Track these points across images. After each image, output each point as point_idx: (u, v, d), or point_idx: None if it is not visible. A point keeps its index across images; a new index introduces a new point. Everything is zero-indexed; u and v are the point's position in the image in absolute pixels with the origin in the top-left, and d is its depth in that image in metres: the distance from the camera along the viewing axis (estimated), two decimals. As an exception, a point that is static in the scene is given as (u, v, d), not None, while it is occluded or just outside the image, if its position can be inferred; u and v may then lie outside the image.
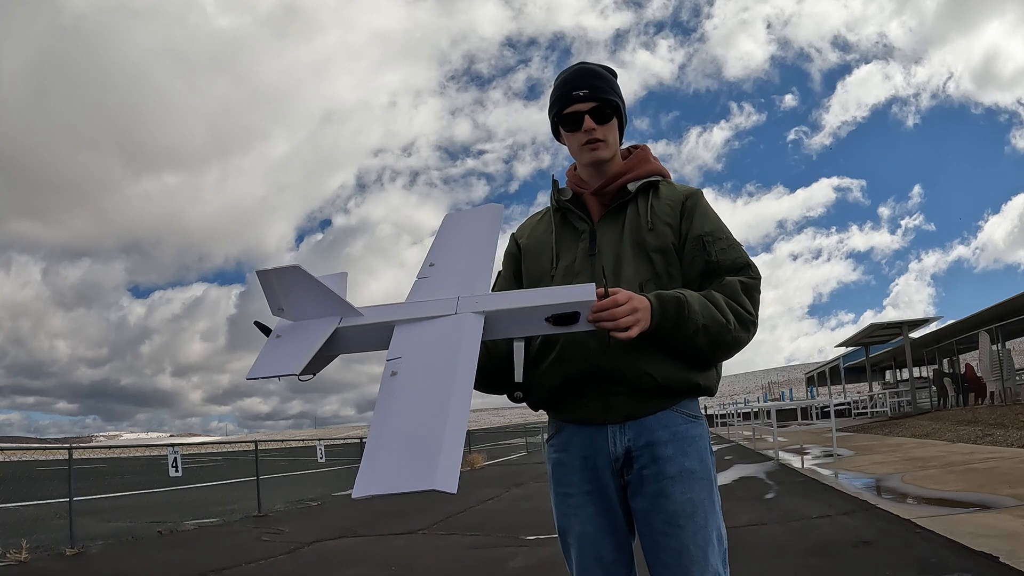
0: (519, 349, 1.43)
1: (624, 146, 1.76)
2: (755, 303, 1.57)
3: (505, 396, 1.70)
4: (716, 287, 1.55)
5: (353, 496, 1.11)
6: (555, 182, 1.76)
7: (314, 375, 1.44)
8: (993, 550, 4.10)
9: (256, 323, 1.49)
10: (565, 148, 1.74)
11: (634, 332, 1.40)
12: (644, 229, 1.61)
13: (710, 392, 1.61)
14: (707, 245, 1.59)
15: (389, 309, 1.47)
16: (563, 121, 1.66)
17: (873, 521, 5.61)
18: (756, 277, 1.59)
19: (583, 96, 1.62)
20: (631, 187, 1.66)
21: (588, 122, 1.62)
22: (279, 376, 1.36)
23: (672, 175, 1.76)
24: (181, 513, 9.23)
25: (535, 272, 1.70)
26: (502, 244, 1.78)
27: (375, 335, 1.44)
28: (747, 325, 1.54)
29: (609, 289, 1.40)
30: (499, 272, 1.82)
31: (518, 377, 1.44)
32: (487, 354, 1.60)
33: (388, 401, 1.25)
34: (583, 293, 1.38)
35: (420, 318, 1.43)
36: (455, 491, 1.06)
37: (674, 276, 1.59)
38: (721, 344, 1.52)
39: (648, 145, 1.79)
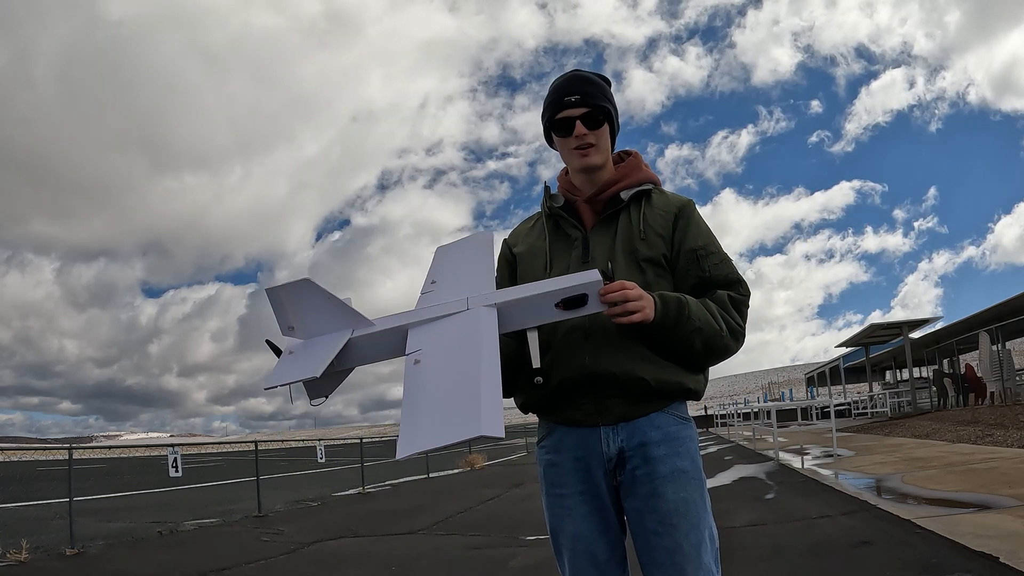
0: (533, 337, 1.47)
1: (615, 151, 1.77)
2: (743, 317, 1.62)
3: (512, 399, 1.72)
4: (708, 298, 1.60)
5: (397, 456, 1.12)
6: (547, 188, 1.78)
7: (326, 397, 1.47)
8: (993, 550, 4.10)
9: (267, 341, 1.51)
10: None
11: (637, 318, 1.45)
12: (636, 239, 1.64)
13: (698, 396, 1.65)
14: (700, 259, 1.63)
15: (400, 316, 1.49)
16: (555, 126, 1.67)
17: (873, 521, 5.62)
18: (745, 294, 1.64)
19: (574, 102, 1.63)
20: (624, 195, 1.68)
21: (579, 127, 1.64)
22: (297, 381, 1.38)
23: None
24: (181, 513, 9.23)
25: (529, 278, 1.71)
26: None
27: (389, 342, 1.46)
28: (736, 336, 1.60)
29: (615, 278, 1.45)
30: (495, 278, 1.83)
31: (536, 363, 1.46)
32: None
33: (416, 379, 1.28)
34: (589, 276, 1.44)
35: (433, 318, 1.46)
36: (503, 435, 1.08)
37: (664, 286, 1.61)
38: (713, 349, 1.57)
39: (638, 151, 1.79)
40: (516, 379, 1.67)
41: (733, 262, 1.67)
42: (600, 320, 1.54)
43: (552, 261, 1.69)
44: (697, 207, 1.72)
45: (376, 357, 1.49)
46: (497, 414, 1.13)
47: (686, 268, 1.63)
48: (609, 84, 1.72)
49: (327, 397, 1.47)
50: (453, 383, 1.23)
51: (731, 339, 1.58)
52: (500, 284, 1.78)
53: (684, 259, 1.63)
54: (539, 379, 1.59)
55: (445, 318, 1.45)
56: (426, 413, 1.18)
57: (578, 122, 1.63)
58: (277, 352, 1.50)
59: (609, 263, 1.59)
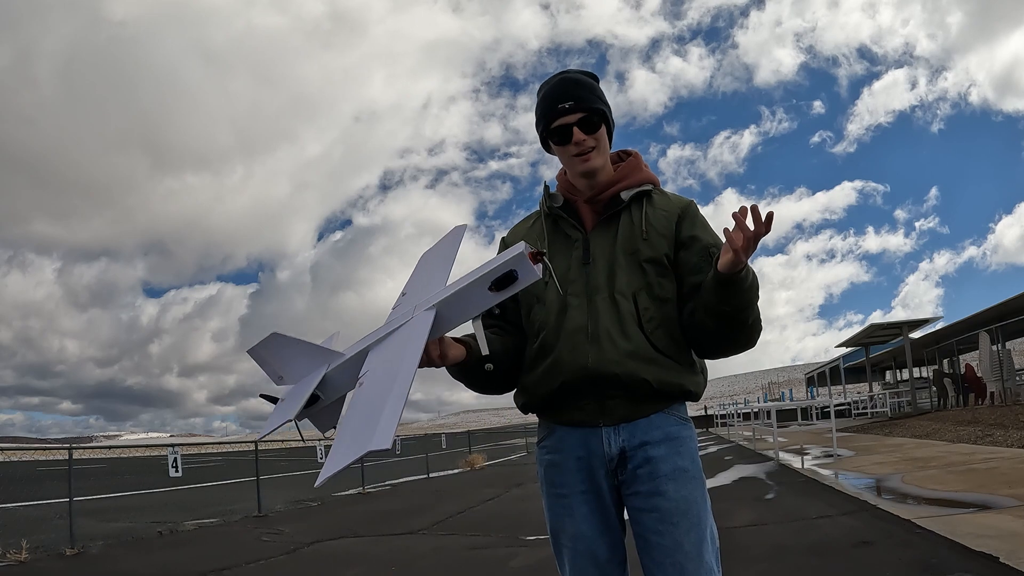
0: (479, 327, 1.48)
1: (614, 150, 1.76)
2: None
3: (506, 396, 1.75)
4: None
5: (315, 485, 1.22)
6: (546, 187, 1.77)
7: (335, 427, 1.52)
8: (993, 550, 4.10)
9: (262, 395, 1.63)
10: None
11: (743, 258, 1.40)
12: (638, 239, 1.63)
13: (697, 397, 1.65)
14: (713, 256, 1.61)
15: (364, 339, 1.57)
16: (552, 135, 1.66)
17: (873, 521, 5.62)
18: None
19: (569, 108, 1.61)
20: (624, 196, 1.67)
21: (577, 134, 1.62)
22: (279, 426, 1.50)
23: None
24: (181, 513, 9.23)
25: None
26: (473, 256, 1.86)
27: (359, 366, 1.51)
28: (757, 328, 1.60)
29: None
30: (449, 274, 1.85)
31: (484, 351, 1.47)
32: (477, 360, 1.61)
33: (351, 401, 1.36)
34: (513, 251, 1.43)
35: (386, 334, 1.52)
36: (389, 446, 1.12)
37: (666, 286, 1.62)
38: (755, 328, 1.57)
39: (639, 151, 1.78)
40: (510, 377, 1.69)
41: None
42: (603, 322, 1.56)
43: (552, 262, 1.68)
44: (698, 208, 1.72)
45: (354, 384, 1.54)
46: (390, 426, 1.15)
47: (699, 265, 1.61)
48: (597, 80, 1.69)
49: (335, 427, 1.52)
50: (370, 402, 1.27)
51: (755, 329, 1.58)
52: None
53: (698, 256, 1.62)
54: (489, 366, 1.60)
55: (394, 332, 1.49)
56: (340, 438, 1.25)
57: (575, 128, 1.62)
58: (274, 402, 1.62)
59: (526, 245, 1.53)
